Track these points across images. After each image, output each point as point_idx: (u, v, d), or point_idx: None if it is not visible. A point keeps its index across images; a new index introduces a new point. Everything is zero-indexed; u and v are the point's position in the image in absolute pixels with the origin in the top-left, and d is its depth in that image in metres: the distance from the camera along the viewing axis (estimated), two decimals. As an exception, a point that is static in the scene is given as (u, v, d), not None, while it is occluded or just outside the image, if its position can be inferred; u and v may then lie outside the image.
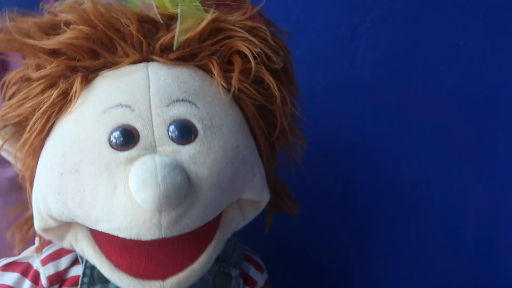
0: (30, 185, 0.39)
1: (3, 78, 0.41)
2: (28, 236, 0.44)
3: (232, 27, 0.39)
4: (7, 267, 0.42)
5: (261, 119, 0.41)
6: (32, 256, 0.42)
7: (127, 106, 0.36)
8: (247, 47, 0.38)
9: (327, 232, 0.68)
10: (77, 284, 0.40)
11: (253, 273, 0.48)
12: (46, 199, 0.36)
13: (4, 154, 0.42)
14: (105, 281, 0.40)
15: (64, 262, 0.42)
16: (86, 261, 0.41)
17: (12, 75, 0.40)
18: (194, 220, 0.35)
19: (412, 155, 0.67)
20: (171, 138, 0.35)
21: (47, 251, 0.42)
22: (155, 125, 0.35)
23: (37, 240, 0.43)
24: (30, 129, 0.38)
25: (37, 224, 0.39)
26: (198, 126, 0.36)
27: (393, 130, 0.67)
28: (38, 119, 0.37)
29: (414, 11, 0.66)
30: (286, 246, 0.67)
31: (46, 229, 0.39)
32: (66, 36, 0.37)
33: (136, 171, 0.33)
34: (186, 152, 0.35)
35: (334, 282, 0.69)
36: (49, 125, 0.38)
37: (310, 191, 0.66)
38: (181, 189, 0.33)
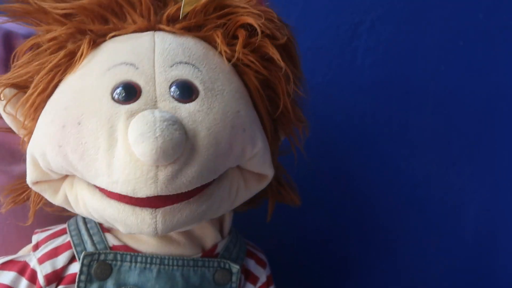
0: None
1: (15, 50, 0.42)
2: (19, 199, 0.44)
3: (237, 3, 0.40)
4: (3, 266, 0.41)
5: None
6: (29, 255, 0.42)
7: (131, 64, 0.37)
8: (253, 19, 0.39)
9: (328, 231, 0.68)
10: (74, 282, 0.40)
11: (255, 268, 0.47)
12: (45, 153, 0.36)
13: (4, 117, 0.41)
14: (102, 278, 0.39)
15: (61, 260, 0.41)
16: (83, 258, 0.40)
17: (24, 44, 0.41)
18: (190, 179, 0.35)
19: (412, 155, 0.67)
20: (172, 96, 0.36)
21: (44, 249, 0.41)
22: (158, 83, 0.36)
23: (34, 238, 0.43)
24: (35, 86, 0.38)
25: (30, 177, 0.39)
26: (200, 87, 0.36)
27: (393, 130, 0.67)
28: (43, 77, 0.38)
29: (414, 11, 0.66)
30: (288, 241, 0.67)
31: (40, 182, 0.39)
32: (79, 1, 0.39)
33: (135, 124, 0.33)
34: (186, 110, 0.35)
35: (335, 278, 0.68)
36: (53, 83, 0.38)
37: (311, 191, 0.66)
38: (178, 144, 0.33)
